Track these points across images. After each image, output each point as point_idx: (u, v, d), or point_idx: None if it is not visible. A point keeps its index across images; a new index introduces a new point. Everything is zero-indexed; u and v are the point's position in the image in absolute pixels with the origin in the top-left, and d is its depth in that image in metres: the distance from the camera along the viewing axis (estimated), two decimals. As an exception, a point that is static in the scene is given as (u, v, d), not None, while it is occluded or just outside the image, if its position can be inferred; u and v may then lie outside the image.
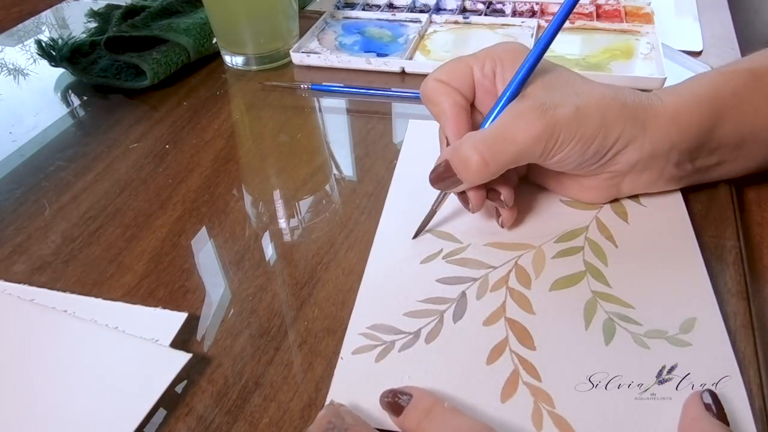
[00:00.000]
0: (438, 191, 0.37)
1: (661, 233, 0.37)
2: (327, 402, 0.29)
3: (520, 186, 0.40)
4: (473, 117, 0.37)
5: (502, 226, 0.38)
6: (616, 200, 0.39)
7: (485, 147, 0.33)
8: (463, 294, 0.34)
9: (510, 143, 0.33)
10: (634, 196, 0.39)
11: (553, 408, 0.29)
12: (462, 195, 0.36)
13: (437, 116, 0.36)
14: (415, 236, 0.38)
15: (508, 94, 0.34)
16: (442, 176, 0.34)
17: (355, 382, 0.30)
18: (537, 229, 0.38)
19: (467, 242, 0.38)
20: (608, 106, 0.34)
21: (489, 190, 0.36)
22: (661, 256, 0.36)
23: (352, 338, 0.33)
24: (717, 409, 0.27)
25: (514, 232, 0.38)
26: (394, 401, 0.27)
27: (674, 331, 0.31)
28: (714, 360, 0.30)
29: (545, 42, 0.34)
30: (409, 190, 0.42)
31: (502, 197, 0.36)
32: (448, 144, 0.36)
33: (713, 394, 0.28)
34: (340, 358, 0.32)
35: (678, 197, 0.39)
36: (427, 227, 0.39)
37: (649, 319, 0.32)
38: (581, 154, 0.34)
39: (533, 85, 0.34)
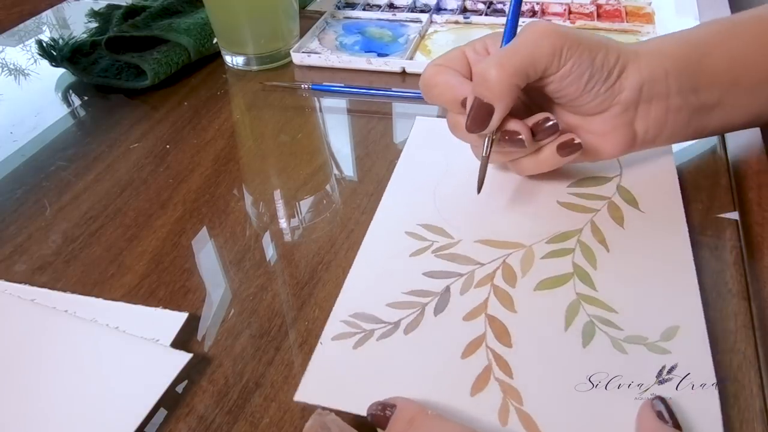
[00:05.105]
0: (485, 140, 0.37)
1: (656, 239, 0.36)
2: (310, 405, 0.29)
3: (519, 184, 0.41)
4: None
5: (572, 153, 0.37)
6: (613, 204, 0.39)
7: (498, 56, 0.34)
8: (447, 288, 0.35)
9: (521, 46, 0.34)
10: (633, 201, 0.39)
11: (521, 405, 0.29)
12: (507, 137, 0.36)
13: (443, 93, 0.37)
14: (479, 191, 0.38)
15: (508, 22, 0.37)
16: (475, 113, 0.35)
17: (332, 367, 0.31)
18: (530, 228, 0.38)
19: (459, 238, 0.38)
20: (599, 36, 0.36)
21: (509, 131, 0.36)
22: (652, 262, 0.35)
23: (333, 324, 0.33)
24: (670, 416, 0.27)
25: (506, 231, 0.38)
26: (383, 414, 0.27)
27: (655, 338, 0.31)
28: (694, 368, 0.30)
29: None
30: (409, 185, 0.42)
31: (550, 119, 0.36)
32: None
33: (664, 401, 0.27)
34: (319, 343, 0.32)
35: (678, 203, 0.38)
36: (422, 222, 0.39)
37: (631, 325, 0.32)
38: (590, 64, 0.34)
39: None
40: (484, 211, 0.39)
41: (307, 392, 0.30)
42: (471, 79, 0.38)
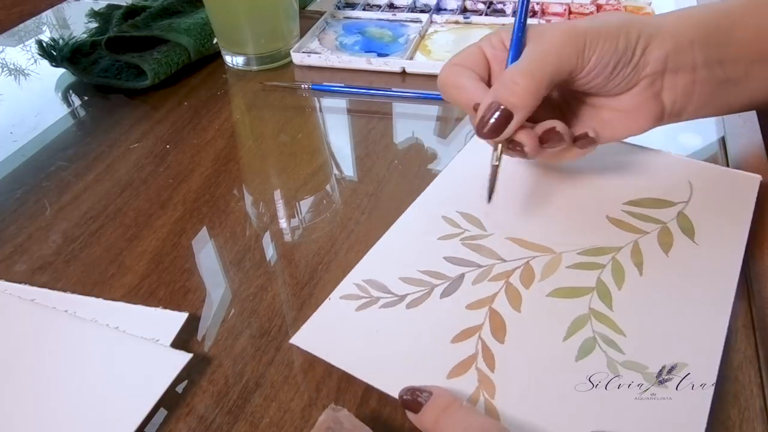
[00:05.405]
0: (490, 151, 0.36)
1: (699, 276, 0.34)
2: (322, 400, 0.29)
3: (573, 192, 0.40)
4: None
5: (598, 140, 0.36)
6: (666, 229, 0.37)
7: (525, 65, 0.34)
8: (462, 276, 0.35)
9: (546, 55, 0.34)
10: (689, 231, 0.37)
11: (491, 398, 0.29)
12: (513, 145, 0.35)
13: (458, 95, 0.37)
14: (489, 200, 0.37)
15: (516, 22, 0.36)
16: (491, 117, 0.34)
17: (332, 322, 0.33)
18: (567, 237, 0.37)
19: (491, 231, 0.38)
20: (618, 16, 0.36)
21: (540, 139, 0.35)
22: (684, 297, 0.33)
23: (345, 285, 0.35)
24: None
25: (541, 234, 0.37)
26: (414, 399, 0.28)
27: (655, 369, 0.30)
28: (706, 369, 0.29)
29: None
30: (462, 175, 0.42)
31: (558, 129, 0.35)
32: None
33: None
34: (327, 299, 0.34)
35: (740, 247, 0.36)
36: (461, 209, 0.39)
37: (635, 351, 0.31)
38: (613, 51, 0.34)
39: (539, 27, 0.36)
40: (527, 212, 0.39)
41: (303, 339, 0.32)
42: (490, 76, 0.38)
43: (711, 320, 0.32)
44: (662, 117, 0.37)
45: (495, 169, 0.36)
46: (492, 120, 0.34)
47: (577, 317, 0.33)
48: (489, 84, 0.37)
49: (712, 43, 0.36)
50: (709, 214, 0.38)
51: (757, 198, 0.39)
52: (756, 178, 0.40)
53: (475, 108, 0.35)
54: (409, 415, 0.28)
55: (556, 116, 0.38)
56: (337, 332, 0.32)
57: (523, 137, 0.35)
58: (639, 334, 0.32)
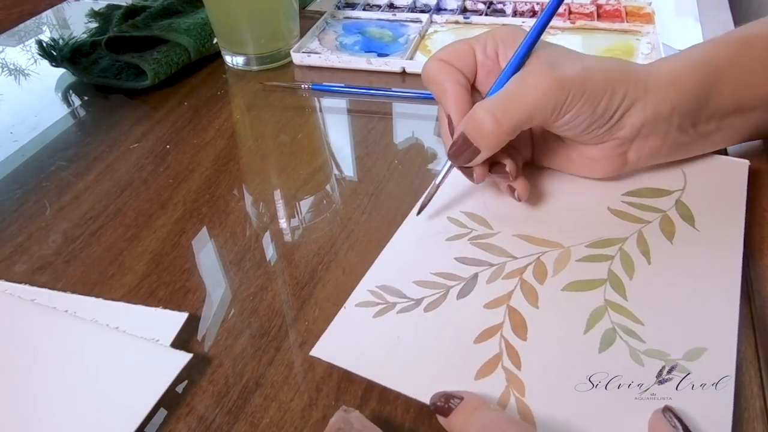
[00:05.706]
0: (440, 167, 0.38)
1: (704, 260, 0.35)
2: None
3: (572, 187, 0.40)
4: (474, 98, 0.37)
5: (519, 200, 0.38)
6: (667, 218, 0.38)
7: (496, 108, 0.33)
8: (475, 276, 0.35)
9: (521, 101, 0.33)
10: (689, 218, 0.38)
11: (522, 396, 0.29)
12: (466, 168, 0.37)
13: (438, 95, 0.37)
14: (419, 212, 0.39)
15: (512, 62, 0.35)
16: (461, 149, 0.35)
17: (350, 331, 0.32)
18: (573, 230, 0.37)
19: (498, 229, 0.38)
20: (611, 69, 0.35)
21: (493, 164, 0.37)
22: (693, 282, 0.34)
23: (359, 293, 0.34)
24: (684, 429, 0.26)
25: (548, 229, 0.38)
26: (445, 405, 0.28)
27: (677, 356, 0.30)
28: (713, 368, 0.29)
29: (548, 15, 0.35)
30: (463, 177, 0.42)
31: (507, 168, 0.36)
32: (450, 125, 0.36)
33: (679, 419, 0.27)
34: (343, 308, 0.33)
35: (739, 229, 0.36)
36: (466, 210, 0.39)
37: (655, 339, 0.31)
38: (591, 113, 0.34)
39: (535, 58, 0.35)
40: (530, 208, 0.39)
41: (323, 350, 0.31)
42: (475, 81, 0.38)
43: (723, 302, 0.32)
44: (623, 168, 0.39)
45: (436, 188, 0.38)
46: (461, 150, 0.35)
47: (595, 309, 0.33)
48: (472, 87, 0.38)
49: (692, 108, 0.36)
50: (706, 200, 0.39)
51: (754, 192, 0.39)
52: (744, 163, 0.41)
53: (448, 117, 0.36)
54: (439, 418, 0.28)
55: (526, 140, 0.40)
56: (357, 341, 0.32)
57: (476, 166, 0.36)
58: (656, 322, 0.32)
